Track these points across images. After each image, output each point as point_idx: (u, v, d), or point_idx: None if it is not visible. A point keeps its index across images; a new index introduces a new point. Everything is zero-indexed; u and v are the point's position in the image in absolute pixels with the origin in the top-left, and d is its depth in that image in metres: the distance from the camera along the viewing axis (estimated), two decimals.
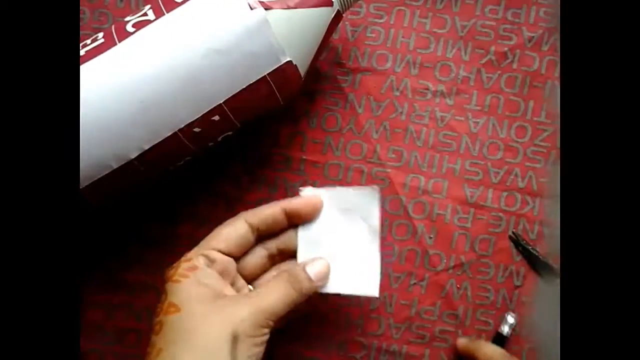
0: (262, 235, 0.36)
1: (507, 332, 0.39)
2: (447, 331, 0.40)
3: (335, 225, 0.36)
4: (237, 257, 0.35)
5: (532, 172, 0.41)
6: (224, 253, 0.34)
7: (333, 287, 0.35)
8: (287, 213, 0.35)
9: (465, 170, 0.41)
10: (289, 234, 0.36)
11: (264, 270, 0.37)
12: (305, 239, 0.36)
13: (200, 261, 0.33)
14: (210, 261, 0.33)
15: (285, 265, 0.37)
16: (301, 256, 0.36)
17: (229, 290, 0.34)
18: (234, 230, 0.35)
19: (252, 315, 0.31)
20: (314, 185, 0.41)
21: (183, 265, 0.33)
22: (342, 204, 0.36)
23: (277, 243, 0.36)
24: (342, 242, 0.36)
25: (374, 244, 0.36)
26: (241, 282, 0.36)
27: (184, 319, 0.31)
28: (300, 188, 0.36)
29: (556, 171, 0.41)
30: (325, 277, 0.35)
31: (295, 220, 0.36)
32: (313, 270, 0.34)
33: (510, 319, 0.40)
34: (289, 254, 0.36)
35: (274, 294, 0.33)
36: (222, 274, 0.34)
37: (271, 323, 0.32)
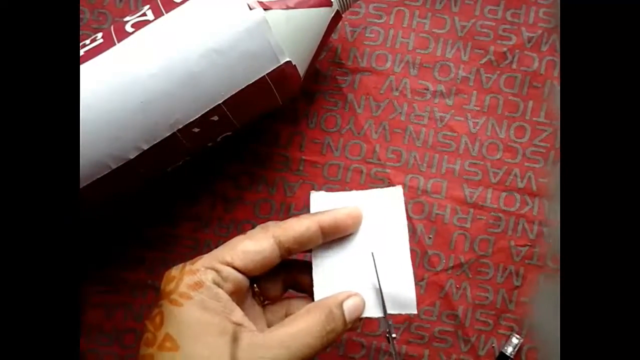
0: (293, 253, 0.30)
1: (511, 352, 0.39)
2: (446, 331, 0.40)
3: (356, 237, 0.32)
4: (254, 277, 0.30)
5: (531, 172, 0.41)
6: (239, 270, 0.29)
7: (367, 311, 0.31)
8: (324, 228, 0.30)
9: (465, 171, 0.41)
10: None
11: (281, 293, 0.32)
12: (321, 260, 0.31)
13: (208, 277, 0.28)
14: (223, 279, 0.28)
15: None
16: (318, 280, 0.31)
17: (238, 315, 0.28)
18: (257, 246, 0.29)
19: None
20: (313, 187, 0.41)
21: (186, 280, 0.28)
22: (364, 206, 0.32)
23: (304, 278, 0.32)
24: (366, 256, 0.31)
25: (404, 254, 0.31)
26: (249, 301, 0.31)
27: None
28: (312, 192, 0.32)
29: (556, 171, 0.41)
30: (359, 317, 0.30)
31: (333, 236, 0.31)
32: (348, 307, 0.29)
33: (515, 339, 0.40)
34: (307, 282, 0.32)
35: (297, 345, 0.27)
36: (233, 294, 0.28)
37: None
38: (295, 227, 0.30)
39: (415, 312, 0.31)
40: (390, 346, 0.31)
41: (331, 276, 0.31)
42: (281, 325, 0.29)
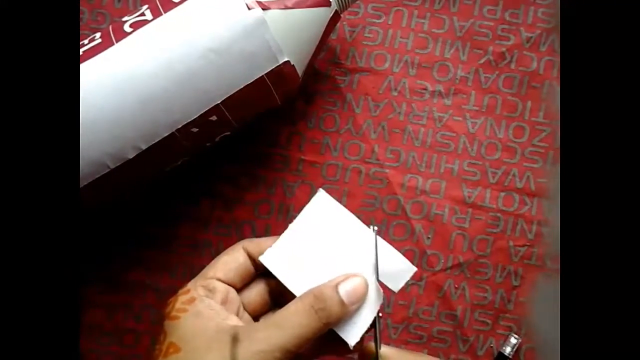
0: (263, 269, 0.33)
1: (510, 352, 0.39)
2: (445, 331, 0.40)
3: (319, 250, 0.32)
4: (239, 288, 0.32)
5: (530, 172, 0.41)
6: (223, 282, 0.31)
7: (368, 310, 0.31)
8: None
9: (463, 171, 0.41)
10: None
11: (268, 308, 0.33)
12: (294, 275, 0.32)
13: (200, 292, 0.30)
14: (210, 291, 0.31)
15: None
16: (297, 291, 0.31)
17: (234, 320, 0.30)
18: (233, 258, 0.32)
19: (259, 354, 0.27)
20: (312, 187, 0.41)
21: (180, 299, 0.30)
22: (308, 228, 0.33)
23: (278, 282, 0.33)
24: (336, 261, 0.32)
25: (367, 234, 0.32)
26: (247, 316, 0.32)
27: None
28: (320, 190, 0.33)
29: (555, 171, 0.41)
30: (361, 298, 0.30)
31: None
32: (346, 289, 0.30)
33: (513, 339, 0.40)
34: (292, 297, 0.32)
35: (289, 324, 0.28)
36: (224, 304, 0.31)
37: None
38: (264, 243, 0.32)
39: (415, 269, 0.32)
40: (377, 326, 0.31)
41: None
42: (275, 312, 0.30)
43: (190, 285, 0.31)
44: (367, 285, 0.31)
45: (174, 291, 0.41)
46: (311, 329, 0.28)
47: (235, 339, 0.28)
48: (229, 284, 0.32)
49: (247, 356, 0.27)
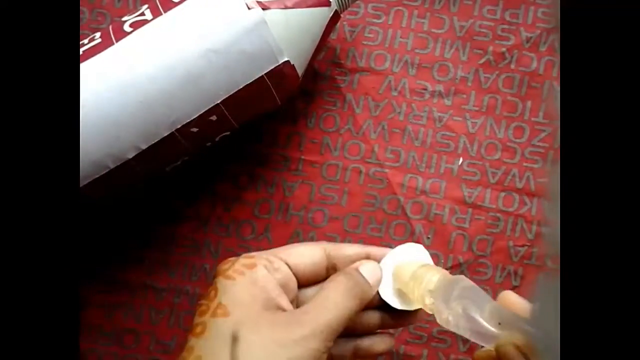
0: (338, 270, 0.32)
1: None
2: (445, 331, 0.40)
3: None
4: (301, 284, 0.32)
5: (530, 172, 0.41)
6: (290, 268, 0.31)
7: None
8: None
9: (463, 171, 0.41)
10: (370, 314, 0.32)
11: None
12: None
13: (262, 262, 0.30)
14: (274, 269, 0.30)
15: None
16: None
17: (286, 302, 0.29)
18: (310, 252, 0.31)
19: (307, 339, 0.27)
20: (312, 187, 0.41)
21: (241, 261, 0.30)
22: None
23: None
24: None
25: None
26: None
27: (232, 327, 0.27)
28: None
29: (555, 171, 0.41)
30: (379, 281, 0.31)
31: None
32: (367, 273, 0.31)
33: None
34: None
35: (332, 305, 0.29)
36: (282, 286, 0.30)
37: (330, 344, 0.28)
38: (346, 250, 0.32)
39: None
40: None
41: None
42: (313, 297, 0.30)
43: (255, 254, 0.30)
44: (380, 269, 0.32)
45: (174, 291, 0.41)
46: (353, 309, 0.29)
47: (283, 320, 0.28)
48: (294, 274, 0.31)
49: (297, 338, 0.27)
